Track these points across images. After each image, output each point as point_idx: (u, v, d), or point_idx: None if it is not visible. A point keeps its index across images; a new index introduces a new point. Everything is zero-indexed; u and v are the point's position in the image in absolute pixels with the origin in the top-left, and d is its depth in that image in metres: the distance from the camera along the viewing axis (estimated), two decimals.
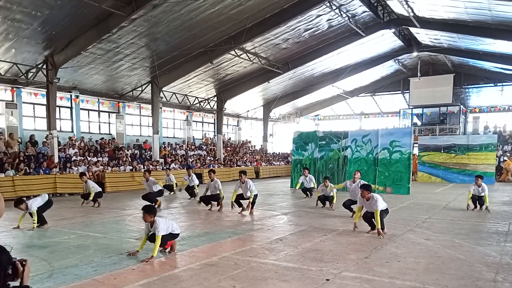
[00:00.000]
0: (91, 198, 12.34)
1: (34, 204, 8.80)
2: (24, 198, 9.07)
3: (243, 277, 5.13)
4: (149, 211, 6.25)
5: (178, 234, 6.57)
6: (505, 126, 30.05)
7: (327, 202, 11.91)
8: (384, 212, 7.88)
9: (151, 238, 6.25)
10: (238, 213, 10.70)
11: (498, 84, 30.47)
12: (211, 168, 12.96)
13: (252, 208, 10.74)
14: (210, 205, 11.66)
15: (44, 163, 16.16)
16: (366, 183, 8.78)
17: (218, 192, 11.46)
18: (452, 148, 22.46)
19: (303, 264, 5.71)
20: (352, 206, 10.04)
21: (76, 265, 5.74)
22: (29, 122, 18.85)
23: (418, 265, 5.69)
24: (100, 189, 12.83)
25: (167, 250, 6.45)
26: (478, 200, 11.26)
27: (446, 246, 6.87)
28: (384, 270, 5.43)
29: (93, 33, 15.52)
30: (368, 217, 7.98)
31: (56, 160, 16.91)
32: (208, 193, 11.65)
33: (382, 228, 7.78)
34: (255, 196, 10.84)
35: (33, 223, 8.63)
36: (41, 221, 8.80)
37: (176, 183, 16.12)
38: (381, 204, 7.69)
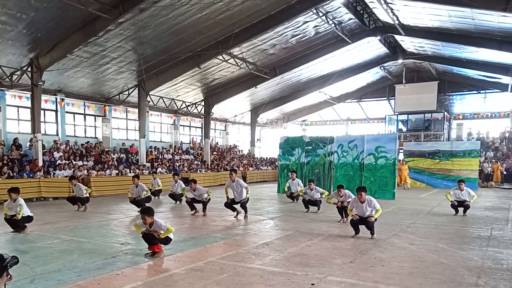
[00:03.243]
0: (87, 195, 12.43)
1: (23, 203, 8.70)
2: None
3: (229, 282, 5.13)
4: (149, 213, 6.45)
5: (171, 239, 6.67)
6: (488, 132, 30.59)
7: (312, 207, 11.98)
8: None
9: (145, 236, 6.45)
10: (234, 217, 10.68)
11: (481, 91, 31.07)
12: (192, 178, 12.82)
13: (246, 212, 10.75)
14: (194, 210, 11.54)
15: (27, 167, 15.91)
16: (360, 186, 8.86)
17: (205, 197, 11.34)
18: (436, 154, 22.78)
19: (288, 269, 5.73)
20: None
21: (59, 270, 5.66)
22: (13, 125, 18.58)
23: (402, 270, 5.76)
24: (87, 195, 12.67)
25: (155, 256, 6.40)
26: (460, 205, 11.41)
27: (430, 250, 6.96)
28: (368, 275, 5.48)
29: (79, 36, 15.39)
30: (355, 222, 8.05)
31: (41, 163, 16.67)
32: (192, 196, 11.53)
33: (372, 234, 7.90)
34: (245, 208, 10.80)
35: (18, 213, 8.51)
36: (21, 227, 8.65)
37: (161, 189, 15.97)
38: (378, 204, 8.05)
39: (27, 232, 8.58)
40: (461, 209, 11.45)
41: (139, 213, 11.82)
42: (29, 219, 8.77)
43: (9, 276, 3.15)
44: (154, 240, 6.40)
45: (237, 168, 11.80)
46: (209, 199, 11.46)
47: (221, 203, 12.25)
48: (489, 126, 31.65)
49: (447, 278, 5.39)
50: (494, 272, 5.68)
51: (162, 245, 6.53)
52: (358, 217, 8.00)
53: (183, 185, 14.20)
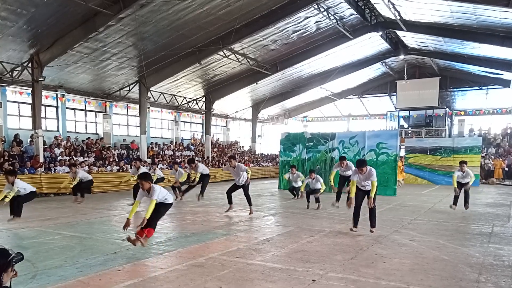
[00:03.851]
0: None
1: (22, 184, 8.76)
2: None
3: (230, 278, 5.12)
4: (146, 178, 6.60)
5: (171, 204, 6.81)
6: (490, 129, 30.54)
7: (313, 201, 12.05)
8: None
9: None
10: (225, 211, 10.69)
11: (483, 87, 30.99)
12: (190, 159, 12.95)
13: (250, 205, 10.69)
14: (176, 198, 11.57)
15: (28, 163, 15.92)
16: (360, 159, 8.81)
17: (206, 172, 11.39)
18: (438, 150, 22.73)
19: (289, 265, 5.72)
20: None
21: (60, 266, 5.66)
22: (14, 121, 18.58)
23: (403, 266, 5.75)
24: (91, 177, 12.74)
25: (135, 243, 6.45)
26: (460, 186, 11.42)
27: (431, 247, 6.95)
28: (369, 271, 5.47)
29: (79, 31, 15.36)
30: (357, 211, 8.07)
31: (42, 159, 16.68)
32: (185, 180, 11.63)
33: (373, 226, 7.91)
34: (248, 195, 10.76)
35: (8, 195, 8.62)
36: (16, 212, 8.70)
37: (163, 177, 15.95)
38: (375, 176, 8.04)
39: (15, 220, 8.63)
40: (461, 204, 11.41)
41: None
42: (32, 195, 8.83)
43: (14, 272, 3.12)
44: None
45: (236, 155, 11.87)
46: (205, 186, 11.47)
47: (222, 200, 12.28)
48: (491, 122, 31.56)
49: (448, 274, 5.37)
50: (495, 269, 5.67)
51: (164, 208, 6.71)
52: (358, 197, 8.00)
53: (183, 172, 14.17)
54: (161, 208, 6.69)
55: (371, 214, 7.93)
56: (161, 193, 6.63)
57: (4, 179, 13.85)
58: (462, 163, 11.58)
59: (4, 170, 14.76)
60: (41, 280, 5.02)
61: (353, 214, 8.16)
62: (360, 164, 8.01)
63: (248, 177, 10.74)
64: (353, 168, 9.25)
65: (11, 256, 2.88)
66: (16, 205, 8.72)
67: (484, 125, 31.20)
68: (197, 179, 12.09)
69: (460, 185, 11.46)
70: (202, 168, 11.53)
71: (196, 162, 11.70)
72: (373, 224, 7.95)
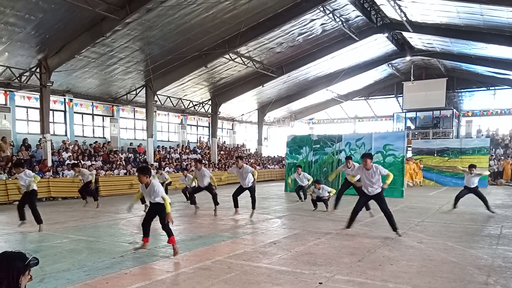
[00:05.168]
0: (93, 184, 12.47)
1: (28, 179, 8.83)
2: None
3: (236, 281, 5.13)
4: (144, 172, 6.54)
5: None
6: (498, 129, 30.27)
7: (320, 204, 11.99)
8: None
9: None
10: (234, 213, 10.69)
11: (491, 88, 30.74)
12: (198, 159, 12.86)
13: (253, 208, 10.69)
14: (194, 205, 11.54)
15: (36, 167, 16.05)
16: (366, 152, 8.76)
17: (209, 181, 11.29)
18: (445, 152, 22.59)
19: (296, 268, 5.72)
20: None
21: (68, 269, 5.70)
22: (22, 126, 18.74)
23: (411, 268, 5.71)
24: (91, 178, 12.79)
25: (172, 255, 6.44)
26: (470, 190, 11.45)
27: (439, 249, 6.90)
28: (377, 273, 5.45)
29: (87, 36, 15.49)
30: (354, 216, 8.09)
31: (50, 163, 16.82)
32: (195, 184, 11.52)
33: (395, 229, 7.86)
34: (254, 198, 10.73)
35: (30, 185, 8.72)
36: (38, 219, 8.77)
37: (170, 181, 15.96)
38: (386, 170, 7.94)
39: (42, 229, 8.67)
40: (467, 205, 11.45)
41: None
42: (33, 193, 8.92)
43: (30, 276, 3.15)
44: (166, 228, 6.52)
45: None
46: (216, 193, 11.38)
47: (228, 202, 12.28)
48: (498, 123, 31.31)
49: (457, 276, 5.33)
50: (504, 271, 5.62)
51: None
52: (365, 195, 8.03)
53: (191, 177, 14.18)
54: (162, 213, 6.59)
55: (388, 219, 7.86)
56: (161, 191, 6.55)
57: (13, 183, 14.07)
58: (471, 166, 11.56)
59: (13, 174, 14.93)
60: (49, 284, 5.06)
61: (350, 216, 8.13)
62: (365, 155, 8.00)
63: (254, 179, 10.71)
64: None
65: (28, 260, 2.92)
66: (23, 208, 8.79)
67: (492, 126, 30.94)
68: (196, 185, 11.91)
69: (468, 189, 11.43)
70: (207, 174, 11.40)
71: (202, 165, 11.59)
72: (394, 228, 7.86)
